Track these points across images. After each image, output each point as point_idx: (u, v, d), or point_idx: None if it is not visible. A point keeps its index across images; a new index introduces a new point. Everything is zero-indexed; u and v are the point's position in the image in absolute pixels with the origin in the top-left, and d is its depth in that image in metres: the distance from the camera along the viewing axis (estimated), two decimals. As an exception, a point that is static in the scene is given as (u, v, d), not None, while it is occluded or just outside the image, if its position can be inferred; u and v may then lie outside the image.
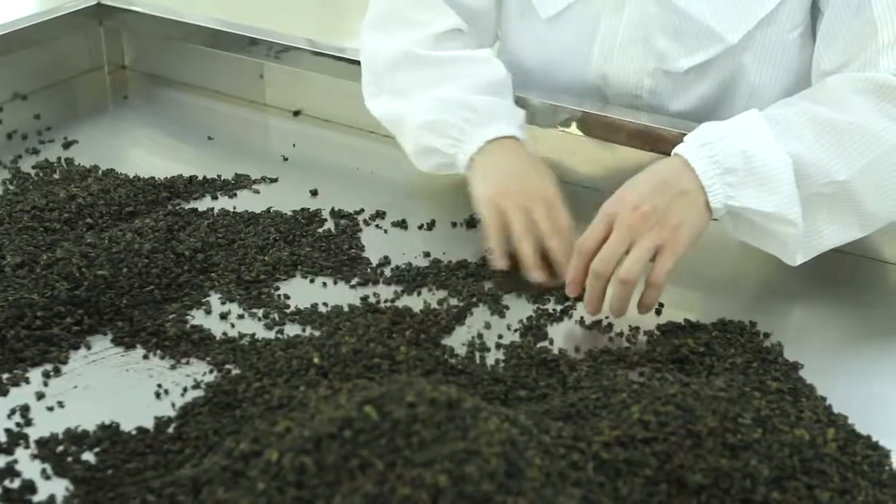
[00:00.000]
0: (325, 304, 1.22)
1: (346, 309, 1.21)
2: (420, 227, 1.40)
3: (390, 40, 1.44)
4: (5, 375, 1.09)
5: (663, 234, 1.14)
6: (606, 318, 1.20)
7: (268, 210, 1.41)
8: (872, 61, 1.23)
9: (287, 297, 1.24)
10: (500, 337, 1.18)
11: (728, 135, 1.17)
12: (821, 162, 1.17)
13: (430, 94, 1.39)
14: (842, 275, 1.31)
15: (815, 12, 1.36)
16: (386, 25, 1.46)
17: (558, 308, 1.22)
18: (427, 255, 1.32)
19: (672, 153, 1.19)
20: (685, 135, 1.21)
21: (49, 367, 1.11)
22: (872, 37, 1.23)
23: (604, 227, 1.17)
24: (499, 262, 1.28)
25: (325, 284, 1.27)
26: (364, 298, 1.23)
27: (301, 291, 1.25)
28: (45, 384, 1.09)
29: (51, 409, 1.06)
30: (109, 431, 1.02)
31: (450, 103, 1.37)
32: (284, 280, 1.27)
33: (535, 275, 1.26)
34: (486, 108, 1.36)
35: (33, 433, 1.02)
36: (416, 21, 1.44)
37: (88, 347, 1.15)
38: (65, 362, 1.12)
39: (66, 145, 1.60)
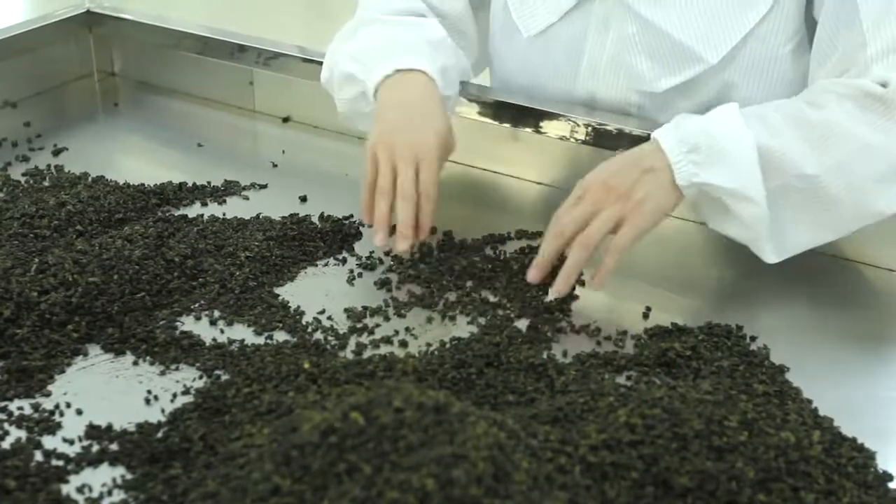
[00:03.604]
0: (321, 312, 1.23)
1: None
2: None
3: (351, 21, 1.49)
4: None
5: (626, 207, 1.19)
6: (594, 322, 1.21)
7: (257, 216, 1.41)
8: (863, 73, 1.25)
9: (277, 301, 1.24)
10: (489, 341, 1.19)
11: (699, 119, 1.22)
12: (792, 154, 1.19)
13: (361, 35, 1.42)
14: (828, 279, 1.32)
15: (810, 23, 1.37)
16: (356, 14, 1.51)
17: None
18: (414, 261, 1.33)
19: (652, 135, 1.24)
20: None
21: (43, 375, 1.11)
22: (862, 51, 1.25)
23: (575, 205, 1.21)
24: (365, 216, 1.31)
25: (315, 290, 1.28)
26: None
27: (291, 295, 1.26)
28: (36, 391, 1.09)
29: (42, 415, 1.06)
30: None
31: (374, 38, 1.40)
32: (274, 285, 1.28)
33: (377, 238, 1.28)
34: (405, 43, 1.38)
35: (23, 439, 1.03)
36: (380, 3, 1.48)
37: (86, 355, 1.15)
38: (63, 371, 1.12)
39: (56, 152, 1.61)
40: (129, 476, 0.98)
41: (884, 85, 1.21)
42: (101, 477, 0.98)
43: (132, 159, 1.67)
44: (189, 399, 1.08)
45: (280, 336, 1.19)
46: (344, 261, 1.34)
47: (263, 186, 1.52)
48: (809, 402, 1.08)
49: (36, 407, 1.07)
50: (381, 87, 1.35)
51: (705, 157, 1.19)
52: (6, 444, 1.02)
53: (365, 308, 1.23)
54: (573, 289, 1.26)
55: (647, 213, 1.19)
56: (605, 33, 1.41)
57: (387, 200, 1.27)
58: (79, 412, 1.07)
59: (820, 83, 1.27)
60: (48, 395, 1.09)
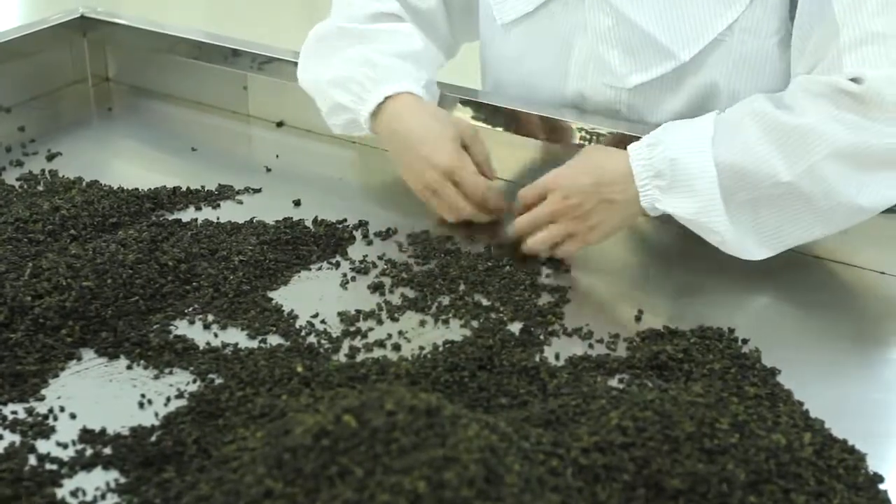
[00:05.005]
0: (315, 316, 1.23)
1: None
2: (391, 235, 1.41)
3: (326, 21, 1.52)
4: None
5: (578, 228, 1.29)
6: (587, 325, 1.21)
7: (251, 220, 1.42)
8: (836, 62, 1.25)
9: (270, 304, 1.25)
10: (482, 345, 1.19)
11: (670, 139, 1.26)
12: (765, 166, 1.22)
13: (342, 55, 1.46)
14: (820, 281, 1.32)
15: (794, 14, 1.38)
16: (331, 10, 1.55)
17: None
18: (407, 264, 1.33)
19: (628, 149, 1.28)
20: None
21: (37, 379, 1.12)
22: (835, 38, 1.25)
23: (536, 200, 1.31)
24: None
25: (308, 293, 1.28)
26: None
27: (284, 299, 1.26)
28: (30, 395, 1.10)
29: (36, 419, 1.06)
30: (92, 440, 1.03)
31: (356, 62, 1.44)
32: (268, 289, 1.28)
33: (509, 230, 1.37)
34: (387, 66, 1.43)
35: (17, 444, 1.03)
36: (354, 3, 1.52)
37: (80, 359, 1.15)
38: (57, 375, 1.13)
39: (50, 157, 1.61)
40: (122, 480, 0.98)
41: (858, 81, 1.22)
42: (94, 481, 0.98)
43: (126, 164, 1.67)
44: (183, 403, 1.08)
45: (273, 340, 1.19)
46: (337, 265, 1.34)
47: (257, 191, 1.52)
48: (801, 404, 1.08)
49: (30, 411, 1.07)
50: (376, 116, 1.41)
51: (668, 184, 1.25)
52: (0, 449, 1.02)
53: (358, 312, 1.24)
54: (565, 291, 1.27)
55: (595, 236, 1.30)
56: (584, 27, 1.41)
57: (456, 218, 1.39)
58: (72, 416, 1.07)
59: (797, 80, 1.28)
60: (42, 399, 1.09)
